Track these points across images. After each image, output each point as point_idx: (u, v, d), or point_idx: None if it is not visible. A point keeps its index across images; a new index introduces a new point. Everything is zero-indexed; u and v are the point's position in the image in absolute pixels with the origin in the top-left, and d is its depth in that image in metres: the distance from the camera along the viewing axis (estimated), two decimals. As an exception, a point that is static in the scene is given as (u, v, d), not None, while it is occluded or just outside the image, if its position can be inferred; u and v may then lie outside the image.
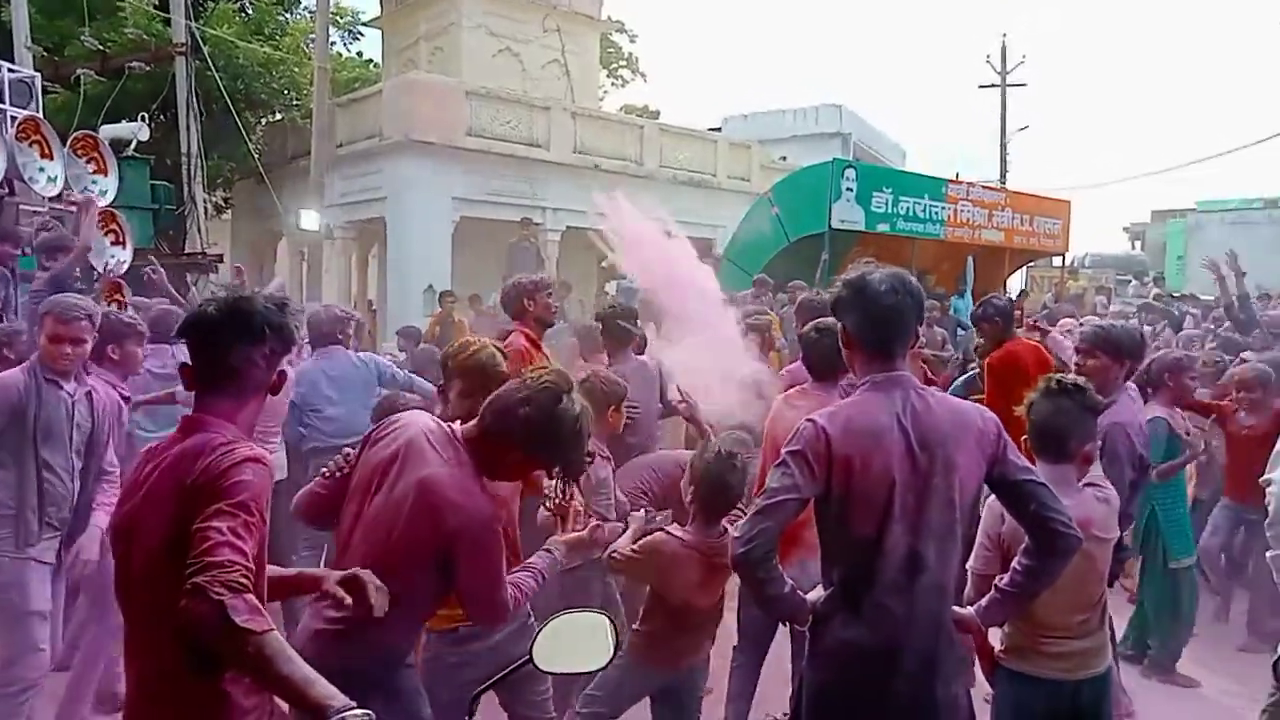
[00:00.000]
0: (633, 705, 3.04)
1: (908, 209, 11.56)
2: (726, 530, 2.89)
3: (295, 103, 17.06)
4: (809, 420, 2.12)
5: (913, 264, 10.00)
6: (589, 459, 2.31)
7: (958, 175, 14.17)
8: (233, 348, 1.82)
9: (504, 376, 2.68)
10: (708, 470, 2.88)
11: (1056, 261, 16.04)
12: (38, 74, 8.66)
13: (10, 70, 7.82)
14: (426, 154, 13.06)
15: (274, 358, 1.87)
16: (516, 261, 10.66)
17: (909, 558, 2.04)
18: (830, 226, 10.50)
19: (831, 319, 3.88)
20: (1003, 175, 24.01)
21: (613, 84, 27.84)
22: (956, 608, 2.18)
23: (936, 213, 11.94)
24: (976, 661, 2.71)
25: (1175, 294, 14.75)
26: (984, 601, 2.22)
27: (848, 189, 10.82)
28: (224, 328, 1.83)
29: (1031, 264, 16.71)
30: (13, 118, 7.25)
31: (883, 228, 11.19)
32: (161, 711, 1.76)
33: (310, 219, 13.33)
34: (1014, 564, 2.21)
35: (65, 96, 12.57)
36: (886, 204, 11.27)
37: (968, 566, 2.52)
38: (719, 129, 21.85)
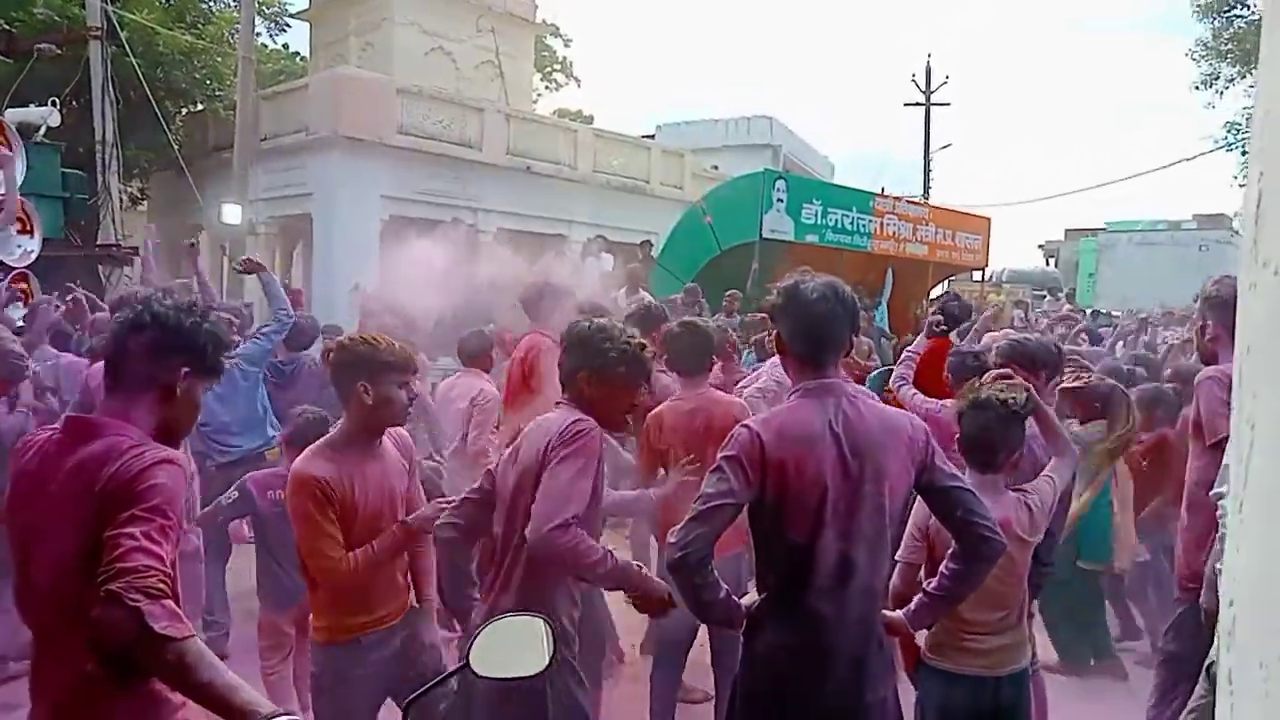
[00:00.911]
0: None
1: (836, 221, 11.78)
2: None
3: (218, 93, 16.49)
4: (743, 426, 2.15)
5: (841, 275, 10.19)
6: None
7: (884, 189, 14.53)
8: (119, 338, 1.78)
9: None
10: None
11: (977, 276, 16.57)
12: (-62, 54, 8.26)
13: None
14: (355, 151, 12.78)
15: (163, 354, 1.79)
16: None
17: (840, 563, 2.08)
18: (761, 236, 10.63)
19: (695, 317, 4.08)
20: (926, 190, 24.63)
21: (546, 87, 27.76)
22: (887, 612, 2.24)
23: (864, 225, 12.21)
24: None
25: (1085, 309, 15.40)
26: (912, 605, 2.28)
27: (778, 200, 10.98)
28: (119, 322, 1.80)
29: (952, 278, 17.23)
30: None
31: (812, 239, 11.38)
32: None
33: (232, 213, 12.89)
34: (941, 569, 2.27)
35: (-33, 78, 11.93)
36: (816, 216, 11.47)
37: (895, 557, 2.59)
38: (652, 136, 21.95)
